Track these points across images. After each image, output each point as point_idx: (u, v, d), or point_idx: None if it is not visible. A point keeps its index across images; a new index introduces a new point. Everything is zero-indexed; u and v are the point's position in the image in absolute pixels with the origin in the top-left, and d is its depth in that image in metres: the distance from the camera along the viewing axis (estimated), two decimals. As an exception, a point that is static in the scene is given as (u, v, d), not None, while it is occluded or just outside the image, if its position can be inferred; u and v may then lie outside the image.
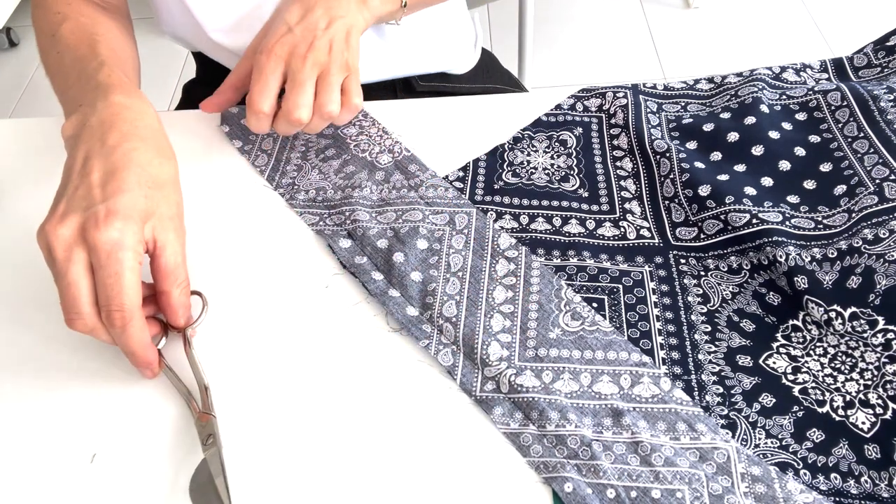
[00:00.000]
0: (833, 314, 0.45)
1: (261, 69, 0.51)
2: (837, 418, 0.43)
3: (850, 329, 0.45)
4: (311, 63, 0.51)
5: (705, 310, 0.48)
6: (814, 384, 0.44)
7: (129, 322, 0.40)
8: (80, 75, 0.52)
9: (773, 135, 0.56)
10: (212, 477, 0.39)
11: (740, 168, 0.55)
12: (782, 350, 0.46)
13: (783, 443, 0.42)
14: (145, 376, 0.44)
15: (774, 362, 0.45)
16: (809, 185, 0.54)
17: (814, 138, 0.56)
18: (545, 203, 0.54)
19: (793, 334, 0.46)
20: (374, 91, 0.73)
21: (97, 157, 0.43)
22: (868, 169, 0.53)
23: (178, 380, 0.44)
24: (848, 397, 0.43)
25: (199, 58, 0.78)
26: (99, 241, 0.39)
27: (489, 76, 0.84)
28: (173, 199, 0.46)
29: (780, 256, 0.47)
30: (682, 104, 0.61)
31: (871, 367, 0.44)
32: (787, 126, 0.57)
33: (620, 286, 0.49)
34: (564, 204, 0.54)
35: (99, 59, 0.53)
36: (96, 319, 0.40)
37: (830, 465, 0.41)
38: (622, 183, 0.56)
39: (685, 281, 0.50)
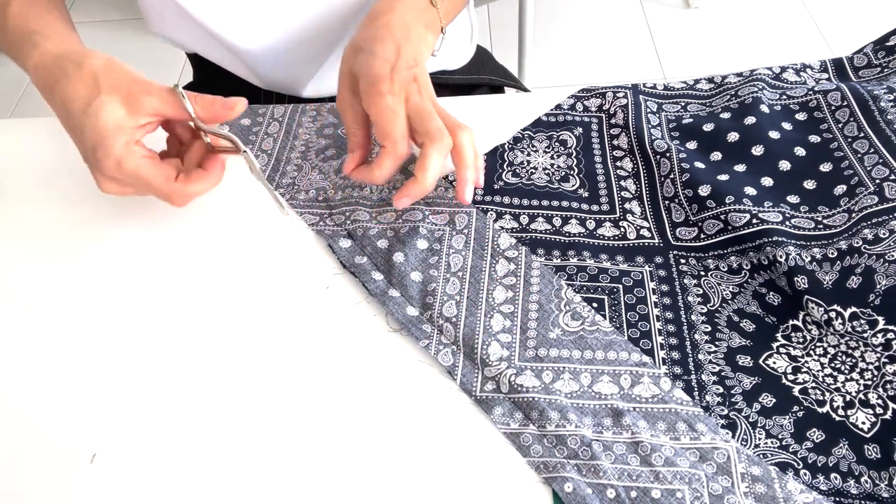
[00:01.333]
0: (833, 314, 0.45)
1: (391, 109, 0.48)
2: (837, 418, 0.43)
3: (850, 329, 0.45)
4: (427, 97, 0.50)
5: (705, 310, 0.48)
6: (814, 384, 0.44)
7: (184, 194, 0.50)
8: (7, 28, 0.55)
9: (774, 135, 0.56)
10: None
11: (740, 168, 0.55)
12: (782, 350, 0.46)
13: (783, 443, 0.42)
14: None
15: (774, 362, 0.45)
16: (809, 185, 0.54)
17: (814, 138, 0.56)
18: (545, 203, 0.54)
19: (793, 334, 0.46)
20: None
21: (61, 117, 0.50)
22: (868, 169, 0.53)
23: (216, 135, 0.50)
24: (848, 397, 0.43)
25: (195, 59, 0.77)
26: (110, 171, 0.48)
27: (483, 68, 0.84)
28: (113, 76, 0.48)
29: (780, 256, 0.47)
30: (682, 104, 0.61)
31: (871, 367, 0.44)
32: (787, 126, 0.57)
33: (620, 286, 0.49)
34: (564, 204, 0.54)
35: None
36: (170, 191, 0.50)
37: (830, 465, 0.41)
38: (622, 183, 0.56)
39: (685, 281, 0.50)
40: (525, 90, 0.87)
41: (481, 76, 0.83)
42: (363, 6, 0.66)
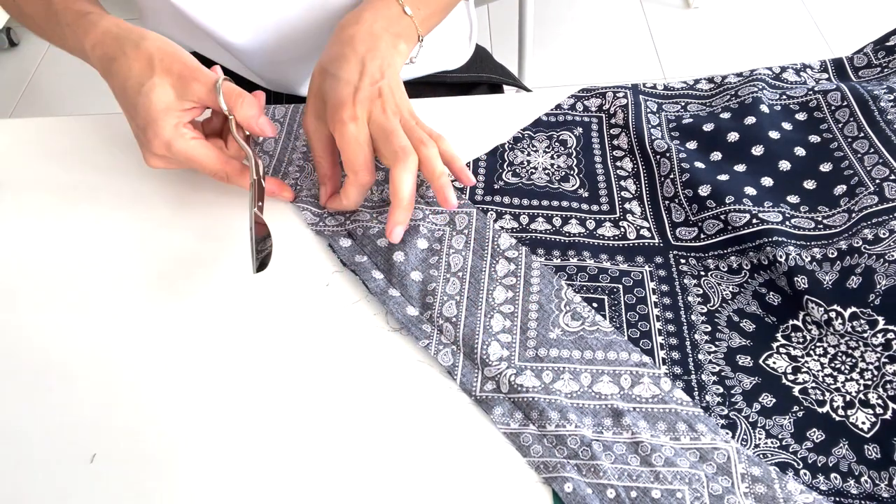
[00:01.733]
0: (833, 314, 0.45)
1: (353, 138, 0.49)
2: (837, 418, 0.43)
3: (850, 329, 0.45)
4: (391, 112, 0.50)
5: (705, 310, 0.48)
6: (814, 384, 0.44)
7: (235, 172, 0.52)
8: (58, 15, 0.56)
9: (773, 135, 0.56)
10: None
11: (740, 168, 0.55)
12: (782, 350, 0.46)
13: (783, 443, 0.42)
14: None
15: (774, 362, 0.45)
16: (809, 185, 0.54)
17: (814, 138, 0.56)
18: (545, 203, 0.54)
19: (793, 334, 0.46)
20: None
21: (116, 93, 0.52)
22: (868, 169, 0.53)
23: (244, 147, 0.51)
24: (848, 397, 0.43)
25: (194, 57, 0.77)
26: (159, 150, 0.50)
27: (482, 67, 0.84)
28: (168, 59, 0.50)
29: (780, 256, 0.47)
30: (682, 104, 0.61)
31: (871, 367, 0.44)
32: (787, 126, 0.57)
33: (620, 286, 0.49)
34: (564, 204, 0.54)
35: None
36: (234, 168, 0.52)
37: (830, 465, 0.41)
38: (622, 183, 0.56)
39: (685, 281, 0.50)
40: (525, 88, 0.87)
41: (480, 74, 0.83)
42: (355, 6, 0.66)
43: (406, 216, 0.49)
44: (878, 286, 0.45)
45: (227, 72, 0.73)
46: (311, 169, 0.58)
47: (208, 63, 0.72)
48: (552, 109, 0.61)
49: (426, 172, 0.50)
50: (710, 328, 0.47)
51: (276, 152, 0.59)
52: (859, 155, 0.54)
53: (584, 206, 0.54)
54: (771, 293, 0.48)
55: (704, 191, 0.52)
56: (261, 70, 0.71)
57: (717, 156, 0.56)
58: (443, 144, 0.52)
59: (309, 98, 0.53)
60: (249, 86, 0.75)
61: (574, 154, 0.58)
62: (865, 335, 0.45)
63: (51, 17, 0.57)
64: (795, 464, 0.41)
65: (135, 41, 0.50)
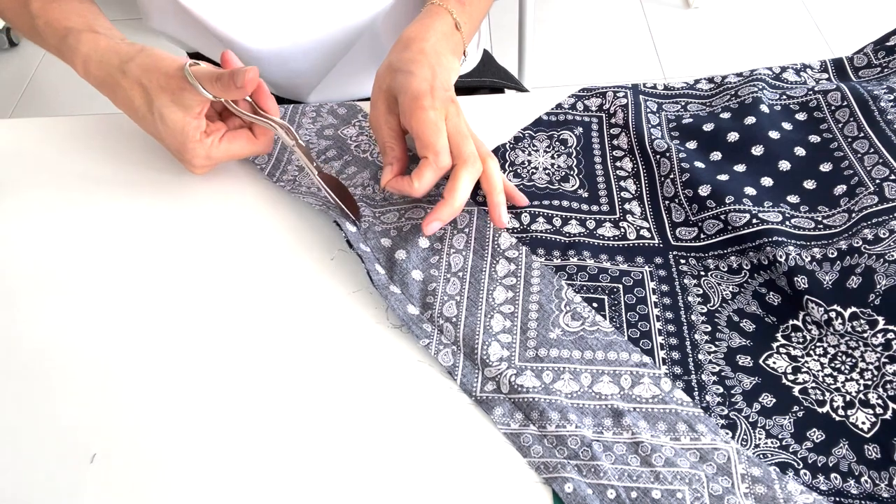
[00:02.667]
0: (833, 314, 0.45)
1: (434, 122, 0.49)
2: (837, 418, 0.43)
3: (850, 329, 0.45)
4: (463, 120, 0.51)
5: (705, 310, 0.48)
6: (814, 384, 0.44)
7: (269, 148, 0.56)
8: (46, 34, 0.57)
9: (773, 135, 0.56)
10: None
11: (740, 168, 0.55)
12: (782, 350, 0.46)
13: (783, 443, 0.42)
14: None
15: (774, 362, 0.45)
16: (809, 185, 0.54)
17: (814, 138, 0.56)
18: (545, 203, 0.54)
19: (793, 334, 0.46)
20: None
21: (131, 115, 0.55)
22: (868, 169, 0.53)
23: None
24: (848, 397, 0.43)
25: (196, 58, 0.77)
26: (199, 162, 0.54)
27: (485, 70, 0.85)
28: (157, 78, 0.51)
29: (780, 256, 0.47)
30: (682, 104, 0.61)
31: (871, 367, 0.44)
32: (787, 126, 0.57)
33: (620, 286, 0.49)
34: (565, 204, 0.54)
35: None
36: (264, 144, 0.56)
37: (830, 465, 0.41)
38: (622, 183, 0.56)
39: (685, 281, 0.50)
40: (524, 91, 0.87)
41: (483, 79, 0.83)
42: (373, 19, 0.67)
43: (449, 217, 0.50)
44: (878, 286, 0.45)
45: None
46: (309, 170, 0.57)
47: (211, 62, 0.72)
48: (552, 109, 0.61)
49: (489, 184, 0.50)
50: (710, 328, 0.47)
51: (274, 153, 0.59)
52: (859, 155, 0.54)
53: (584, 207, 0.54)
54: (771, 293, 0.48)
55: (704, 191, 0.52)
56: (272, 76, 0.71)
57: (717, 156, 0.56)
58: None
59: (376, 95, 0.53)
60: None
61: (574, 154, 0.58)
62: (865, 335, 0.45)
63: (35, 35, 0.58)
64: (795, 464, 0.41)
65: (120, 68, 0.52)
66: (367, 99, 0.71)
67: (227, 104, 0.53)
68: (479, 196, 0.55)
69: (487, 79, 0.84)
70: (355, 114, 0.62)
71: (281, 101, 0.76)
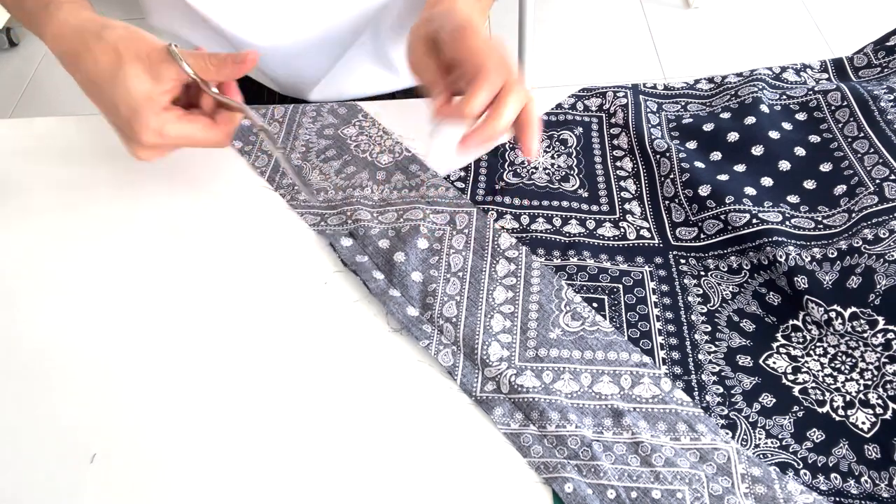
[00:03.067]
0: (833, 314, 0.45)
1: (486, 44, 0.47)
2: (837, 418, 0.43)
3: (850, 329, 0.45)
4: (519, 86, 0.47)
5: (705, 310, 0.48)
6: (814, 384, 0.44)
7: (225, 142, 0.51)
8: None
9: (773, 135, 0.56)
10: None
11: (740, 168, 0.55)
12: (782, 350, 0.46)
13: (783, 443, 0.42)
14: (251, 59, 0.49)
15: (774, 362, 0.45)
16: (809, 185, 0.54)
17: (814, 138, 0.56)
18: (545, 203, 0.54)
19: (793, 334, 0.46)
20: (374, 101, 0.74)
21: (86, 87, 0.50)
22: (868, 169, 0.53)
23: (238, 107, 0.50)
24: (848, 397, 0.43)
25: None
26: (148, 140, 0.48)
27: None
28: (133, 46, 0.48)
29: (780, 256, 0.47)
30: (682, 104, 0.61)
31: (871, 367, 0.44)
32: (787, 126, 0.57)
33: (620, 286, 0.49)
34: (564, 204, 0.54)
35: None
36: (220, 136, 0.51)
37: (830, 465, 0.41)
38: (622, 183, 0.56)
39: (685, 281, 0.50)
40: None
41: None
42: (378, 12, 0.66)
43: (489, 138, 0.46)
44: (878, 286, 0.45)
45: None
46: (310, 169, 0.58)
47: None
48: (552, 109, 0.61)
49: (529, 115, 0.47)
50: (710, 328, 0.47)
51: (273, 152, 0.59)
52: (859, 155, 0.54)
53: (584, 207, 0.54)
54: (771, 293, 0.48)
55: (704, 191, 0.52)
56: (275, 72, 0.71)
57: (716, 156, 0.56)
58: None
59: (414, 43, 0.51)
60: (253, 85, 0.75)
61: (574, 154, 0.58)
62: (865, 335, 0.45)
63: (19, 6, 0.55)
64: (795, 464, 0.41)
65: (96, 33, 0.49)
66: (368, 99, 0.71)
67: (202, 85, 0.50)
68: (478, 196, 0.55)
69: None
70: (355, 113, 0.62)
71: (283, 99, 0.76)
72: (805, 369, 0.45)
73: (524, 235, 0.52)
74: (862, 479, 0.40)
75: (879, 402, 0.43)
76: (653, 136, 0.57)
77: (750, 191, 0.52)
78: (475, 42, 0.47)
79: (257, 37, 0.65)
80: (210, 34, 0.67)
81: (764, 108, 0.58)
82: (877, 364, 0.44)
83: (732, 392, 0.44)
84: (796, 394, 0.44)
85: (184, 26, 0.68)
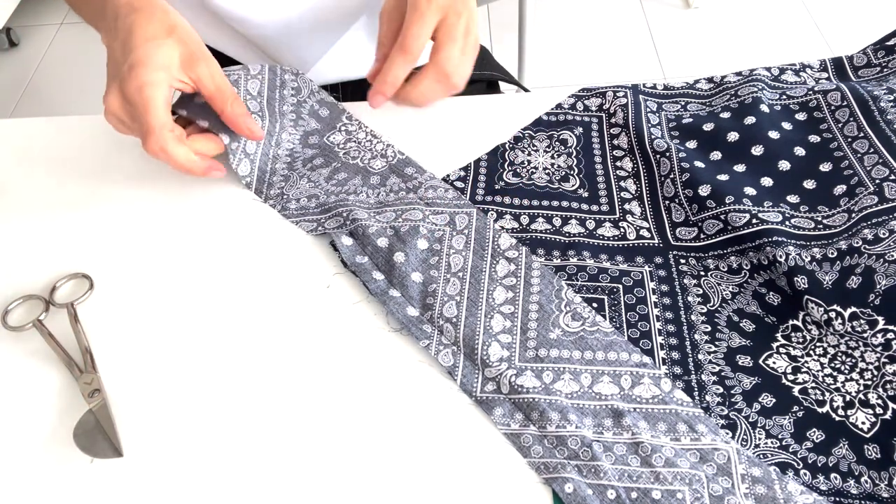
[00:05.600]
0: (833, 314, 0.45)
1: (421, 12, 0.50)
2: (837, 418, 0.43)
3: (849, 329, 0.45)
4: (463, 23, 0.51)
5: (705, 310, 0.48)
6: (814, 384, 0.44)
7: (163, 141, 0.48)
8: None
9: (773, 135, 0.56)
10: (98, 423, 0.43)
11: (740, 168, 0.55)
12: (782, 350, 0.46)
13: (783, 443, 0.42)
14: (216, 176, 0.52)
15: (774, 362, 0.45)
16: (809, 184, 0.54)
17: (814, 138, 0.56)
18: (545, 203, 0.54)
19: (793, 334, 0.46)
20: (368, 89, 0.73)
21: (116, 36, 0.50)
22: (868, 169, 0.53)
23: (60, 348, 0.47)
24: (848, 397, 0.43)
25: None
26: (128, 90, 0.47)
27: (481, 65, 0.85)
28: (182, 38, 0.50)
29: (780, 256, 0.47)
30: (682, 104, 0.61)
31: (870, 367, 0.44)
32: (786, 126, 0.57)
33: (620, 286, 0.49)
34: (564, 204, 0.54)
35: None
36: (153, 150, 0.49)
37: (830, 465, 0.41)
38: (622, 184, 0.56)
39: (685, 281, 0.50)
40: (522, 87, 0.87)
41: (482, 72, 0.83)
42: None
43: (390, 90, 0.51)
44: (878, 286, 0.45)
45: (223, 57, 0.72)
46: (297, 178, 0.56)
47: (221, 60, 0.72)
48: (552, 109, 0.61)
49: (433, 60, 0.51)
50: (709, 328, 0.47)
51: (256, 158, 0.57)
52: (859, 155, 0.54)
53: (584, 207, 0.54)
54: (771, 293, 0.48)
55: (704, 191, 0.52)
56: (277, 52, 0.70)
57: (716, 155, 0.56)
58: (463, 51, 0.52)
59: (386, 4, 0.54)
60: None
61: (574, 154, 0.58)
62: (865, 335, 0.45)
63: None
64: (795, 464, 0.41)
65: (165, 8, 0.51)
66: (364, 80, 0.71)
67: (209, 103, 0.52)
68: (477, 196, 0.55)
69: (486, 72, 0.84)
70: (339, 115, 0.61)
71: None
72: (805, 369, 0.45)
73: (524, 235, 0.52)
74: (862, 479, 0.40)
75: (879, 402, 0.43)
76: (653, 136, 0.57)
77: (750, 191, 0.53)
78: (414, 14, 0.50)
79: (255, 13, 0.65)
80: (211, 16, 0.66)
81: (764, 108, 0.58)
82: (877, 364, 0.44)
83: (732, 392, 0.44)
84: (796, 394, 0.44)
85: (183, 10, 0.68)
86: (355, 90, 0.77)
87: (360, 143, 0.59)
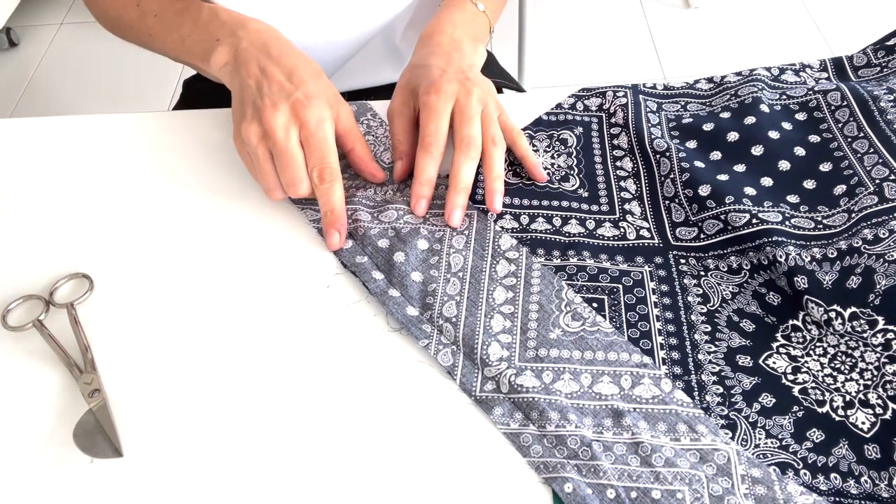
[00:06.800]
0: (833, 314, 0.45)
1: (433, 108, 0.52)
2: (837, 418, 0.43)
3: (849, 329, 0.45)
4: (476, 99, 0.53)
5: (705, 310, 0.48)
6: (814, 384, 0.44)
7: (335, 179, 0.50)
8: (196, 21, 0.56)
9: (773, 135, 0.56)
10: (98, 423, 0.43)
11: (740, 168, 0.55)
12: (782, 350, 0.46)
13: (783, 443, 0.42)
14: (331, 244, 0.51)
15: (774, 362, 0.45)
16: (809, 184, 0.54)
17: (814, 138, 0.56)
18: (545, 203, 0.54)
19: (793, 334, 0.46)
20: (382, 90, 0.74)
21: (270, 64, 0.51)
22: (868, 169, 0.53)
23: (60, 348, 0.47)
24: (848, 397, 0.43)
25: None
26: (308, 117, 0.49)
27: (489, 72, 0.85)
28: (330, 83, 0.53)
29: (780, 256, 0.47)
30: (682, 103, 0.61)
31: (870, 367, 0.44)
32: (786, 126, 0.57)
33: (620, 286, 0.49)
34: (564, 204, 0.54)
35: (198, 4, 0.56)
36: (308, 185, 0.50)
37: (830, 465, 0.41)
38: (622, 184, 0.56)
39: (685, 281, 0.50)
40: (522, 92, 0.88)
41: (487, 77, 0.84)
42: (392, 18, 0.67)
43: (463, 200, 0.52)
44: (878, 286, 0.45)
45: None
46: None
47: None
48: (552, 109, 0.61)
49: (485, 169, 0.53)
50: (709, 328, 0.47)
51: None
52: (859, 155, 0.54)
53: (584, 207, 0.54)
54: (771, 293, 0.48)
55: (704, 191, 0.52)
56: None
57: (716, 155, 0.56)
58: (519, 139, 0.55)
59: (397, 90, 0.56)
60: None
61: (574, 153, 0.58)
62: (865, 335, 0.45)
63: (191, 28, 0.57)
64: (795, 464, 0.41)
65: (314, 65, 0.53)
66: (377, 88, 0.72)
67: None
68: (478, 196, 0.55)
69: (493, 78, 0.85)
70: (364, 112, 0.63)
71: None
72: (805, 369, 0.45)
73: (524, 235, 0.52)
74: (862, 479, 0.40)
75: (879, 402, 0.43)
76: (653, 136, 0.57)
77: (750, 191, 0.53)
78: (426, 102, 0.52)
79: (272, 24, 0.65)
80: None
81: (764, 108, 0.58)
82: (877, 364, 0.44)
83: (732, 392, 0.44)
84: (796, 394, 0.44)
85: None
86: (375, 93, 0.77)
87: (377, 138, 0.60)
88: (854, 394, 0.43)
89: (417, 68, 0.55)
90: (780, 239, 0.48)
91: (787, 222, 0.50)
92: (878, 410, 0.43)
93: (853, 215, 0.50)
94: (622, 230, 0.53)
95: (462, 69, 0.54)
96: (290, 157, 0.49)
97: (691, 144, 0.57)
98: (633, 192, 0.55)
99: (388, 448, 0.42)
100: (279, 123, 0.48)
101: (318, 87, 0.51)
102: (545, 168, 0.57)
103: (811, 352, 0.45)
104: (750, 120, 0.57)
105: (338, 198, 0.50)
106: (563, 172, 0.57)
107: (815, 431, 0.42)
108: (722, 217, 0.51)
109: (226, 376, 0.46)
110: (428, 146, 0.52)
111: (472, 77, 0.54)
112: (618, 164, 0.57)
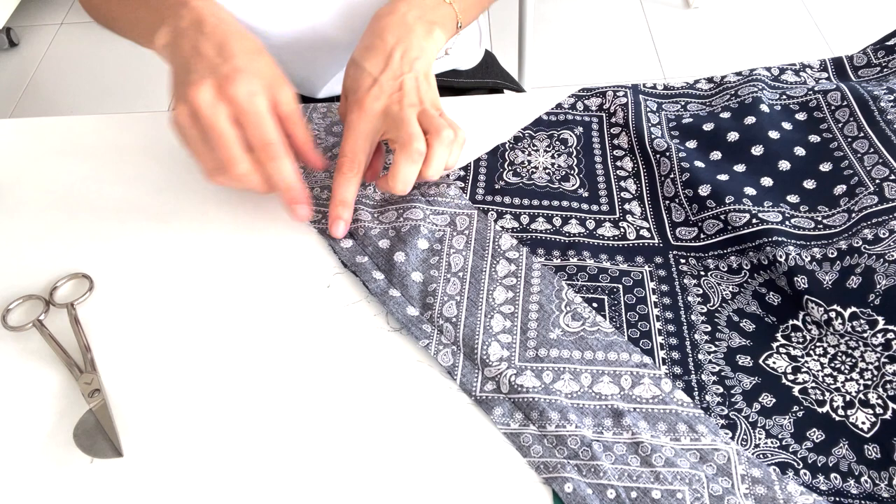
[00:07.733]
0: (833, 314, 0.45)
1: (352, 127, 0.50)
2: (837, 418, 0.43)
3: (849, 329, 0.45)
4: (408, 105, 0.50)
5: (705, 310, 0.48)
6: (814, 384, 0.44)
7: (279, 153, 0.47)
8: (148, 1, 0.54)
9: (773, 134, 0.56)
10: (98, 423, 0.43)
11: (740, 168, 0.55)
12: (782, 350, 0.46)
13: (783, 443, 0.42)
14: (299, 217, 0.50)
15: (774, 362, 0.45)
16: (809, 184, 0.54)
17: (814, 138, 0.56)
18: (545, 203, 0.54)
19: (793, 334, 0.46)
20: None
21: (203, 40, 0.48)
22: (868, 169, 0.53)
23: (60, 348, 0.47)
24: (848, 397, 0.43)
25: None
26: (237, 92, 0.45)
27: (489, 72, 0.85)
28: (271, 61, 0.50)
29: (780, 256, 0.47)
30: (682, 103, 0.61)
31: (870, 367, 0.44)
32: (786, 126, 0.57)
33: (620, 286, 0.49)
34: (564, 204, 0.54)
35: None
36: (249, 163, 0.47)
37: (830, 465, 0.41)
38: (622, 183, 0.56)
39: (685, 281, 0.50)
40: (521, 91, 0.88)
41: (486, 80, 0.84)
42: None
43: (393, 191, 0.50)
44: (878, 286, 0.45)
45: None
46: (309, 169, 0.58)
47: None
48: (552, 109, 0.61)
49: (424, 165, 0.50)
50: (709, 328, 0.47)
51: None
52: (859, 155, 0.54)
53: (584, 206, 0.54)
54: (771, 293, 0.48)
55: (704, 191, 0.52)
56: (289, 65, 0.71)
57: (716, 155, 0.56)
58: (454, 138, 0.51)
59: (342, 90, 0.54)
60: None
61: (574, 153, 0.58)
62: (865, 335, 0.45)
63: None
64: (795, 464, 0.41)
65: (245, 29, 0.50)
66: None
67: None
68: (477, 196, 0.55)
69: (491, 80, 0.85)
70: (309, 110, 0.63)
71: None
72: (805, 369, 0.45)
73: (524, 235, 0.52)
74: (862, 479, 0.40)
75: (879, 402, 0.43)
76: (653, 136, 0.57)
77: (750, 191, 0.53)
78: (350, 120, 0.50)
79: (270, 25, 0.65)
80: None
81: (764, 108, 0.58)
82: (877, 364, 0.44)
83: (732, 392, 0.44)
84: (796, 394, 0.44)
85: None
86: None
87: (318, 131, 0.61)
88: (854, 394, 0.43)
89: (353, 68, 0.52)
90: (780, 239, 0.48)
91: (787, 222, 0.50)
92: (878, 410, 0.43)
93: (853, 215, 0.50)
94: (622, 230, 0.53)
95: (399, 72, 0.51)
96: (218, 134, 0.45)
97: (691, 144, 0.57)
98: (634, 192, 0.55)
99: (389, 448, 0.42)
100: (205, 100, 0.45)
101: (251, 62, 0.47)
102: (545, 168, 0.57)
103: (811, 352, 0.45)
104: (750, 120, 0.57)
105: (288, 172, 0.47)
106: (564, 172, 0.57)
107: (815, 431, 0.42)
108: (722, 217, 0.51)
109: (226, 376, 0.46)
110: (341, 166, 0.50)
111: (410, 79, 0.51)
112: (618, 163, 0.57)
